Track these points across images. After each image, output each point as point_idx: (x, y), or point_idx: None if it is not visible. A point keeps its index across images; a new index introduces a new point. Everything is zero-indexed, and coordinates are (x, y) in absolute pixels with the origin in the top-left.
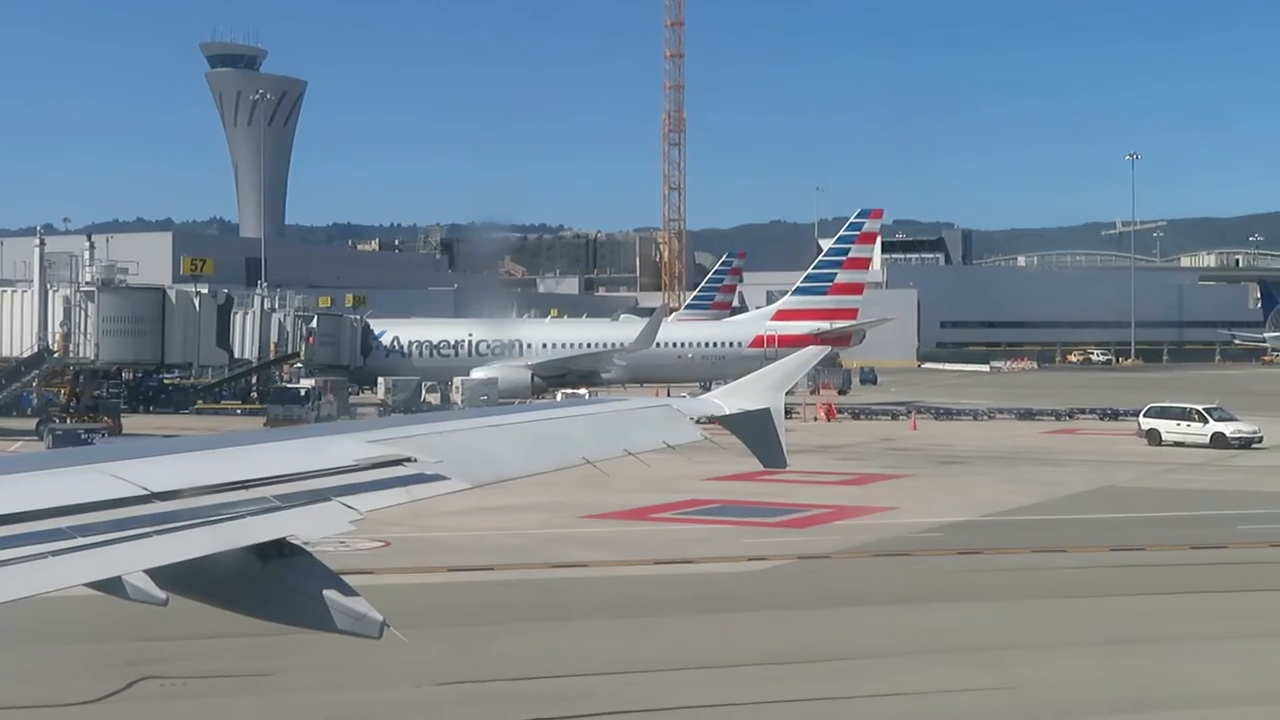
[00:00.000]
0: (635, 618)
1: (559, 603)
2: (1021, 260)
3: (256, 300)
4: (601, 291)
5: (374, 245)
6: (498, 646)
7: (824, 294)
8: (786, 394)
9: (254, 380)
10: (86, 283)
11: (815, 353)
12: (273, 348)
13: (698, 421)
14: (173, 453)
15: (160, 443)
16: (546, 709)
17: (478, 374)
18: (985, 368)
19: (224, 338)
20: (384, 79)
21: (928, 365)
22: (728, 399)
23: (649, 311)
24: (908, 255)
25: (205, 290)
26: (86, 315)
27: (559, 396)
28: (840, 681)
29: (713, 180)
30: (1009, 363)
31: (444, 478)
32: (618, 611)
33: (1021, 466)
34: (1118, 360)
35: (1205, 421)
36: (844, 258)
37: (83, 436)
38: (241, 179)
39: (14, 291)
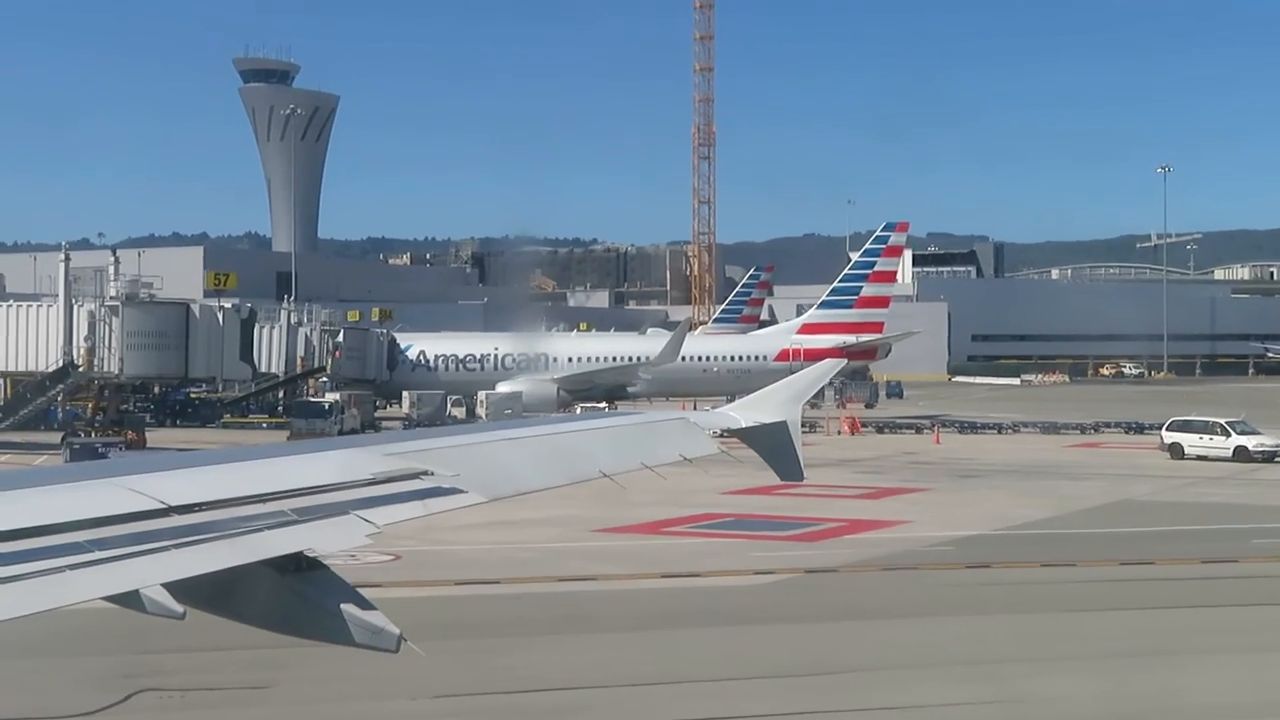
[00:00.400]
0: (639, 631)
1: (564, 616)
2: (1055, 273)
3: (283, 315)
4: (632, 305)
5: (405, 259)
6: (498, 660)
7: (850, 307)
8: (811, 407)
9: (281, 394)
10: (111, 297)
11: (832, 365)
12: (299, 362)
13: (715, 435)
14: (190, 466)
15: (177, 456)
16: (541, 717)
17: (503, 388)
18: (1016, 381)
19: (247, 352)
20: (417, 93)
21: (958, 379)
22: (744, 412)
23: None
24: (940, 268)
25: (229, 305)
26: (111, 330)
27: (578, 410)
28: (838, 694)
29: (746, 194)
30: (1040, 376)
31: (460, 491)
32: (623, 625)
33: (1040, 480)
34: (1150, 374)
35: (1228, 435)
36: (870, 271)
37: (99, 450)
38: (274, 194)
39: (40, 306)
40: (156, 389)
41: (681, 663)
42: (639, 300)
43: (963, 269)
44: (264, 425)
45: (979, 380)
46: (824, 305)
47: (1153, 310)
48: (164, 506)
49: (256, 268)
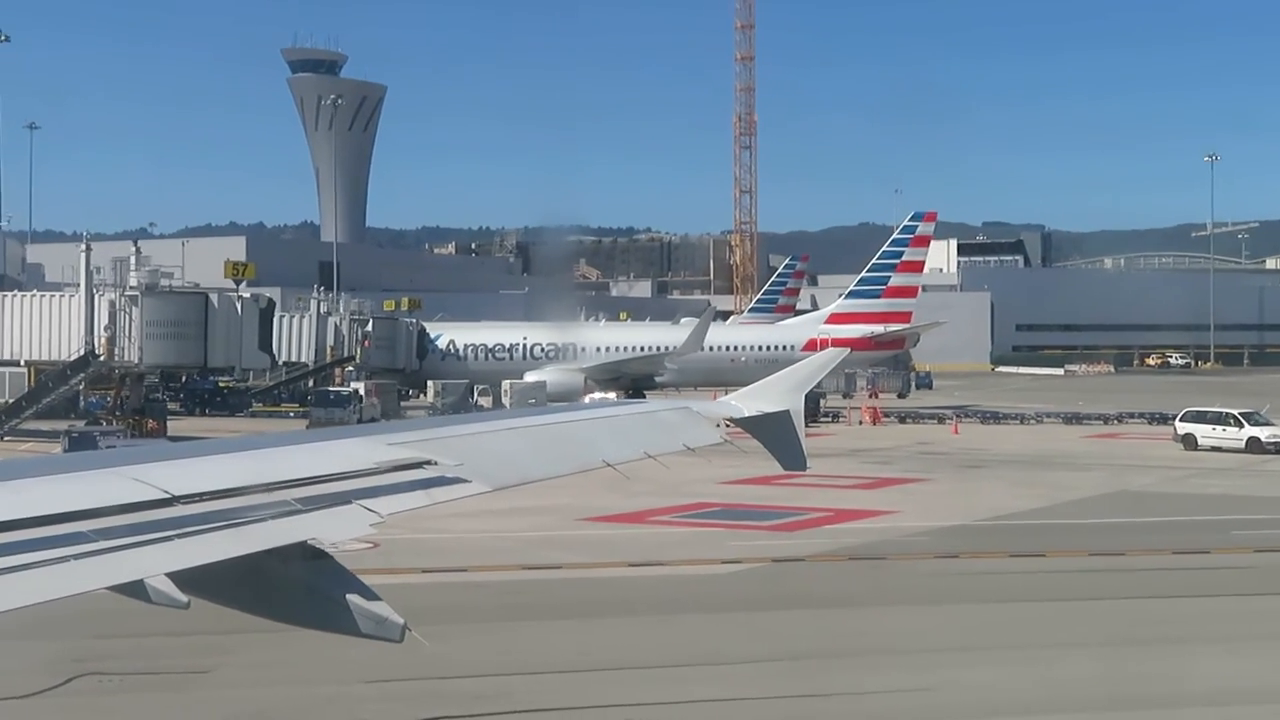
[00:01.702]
0: (583, 618)
1: (514, 604)
2: (1108, 262)
3: (313, 304)
4: (675, 295)
5: (450, 249)
6: (437, 646)
7: (878, 297)
8: (843, 397)
9: (310, 383)
10: (131, 287)
11: (835, 354)
12: (329, 351)
13: (719, 424)
14: (194, 456)
15: (181, 446)
16: (460, 707)
17: (530, 377)
18: (1059, 371)
19: (266, 341)
20: (465, 82)
21: (1001, 369)
22: (747, 401)
23: (720, 316)
24: (986, 258)
25: (248, 295)
26: (131, 319)
27: (587, 399)
28: (754, 683)
29: (799, 183)
30: (1084, 366)
31: (464, 480)
32: (568, 612)
33: (1043, 471)
34: (1196, 364)
35: (1241, 426)
36: (898, 261)
37: (96, 440)
38: (323, 183)
39: (62, 296)
40: (184, 378)
41: (615, 650)
42: (682, 290)
43: (1010, 258)
44: (291, 414)
45: (1022, 370)
46: (852, 295)
47: (1200, 299)
48: (168, 496)
49: (300, 257)
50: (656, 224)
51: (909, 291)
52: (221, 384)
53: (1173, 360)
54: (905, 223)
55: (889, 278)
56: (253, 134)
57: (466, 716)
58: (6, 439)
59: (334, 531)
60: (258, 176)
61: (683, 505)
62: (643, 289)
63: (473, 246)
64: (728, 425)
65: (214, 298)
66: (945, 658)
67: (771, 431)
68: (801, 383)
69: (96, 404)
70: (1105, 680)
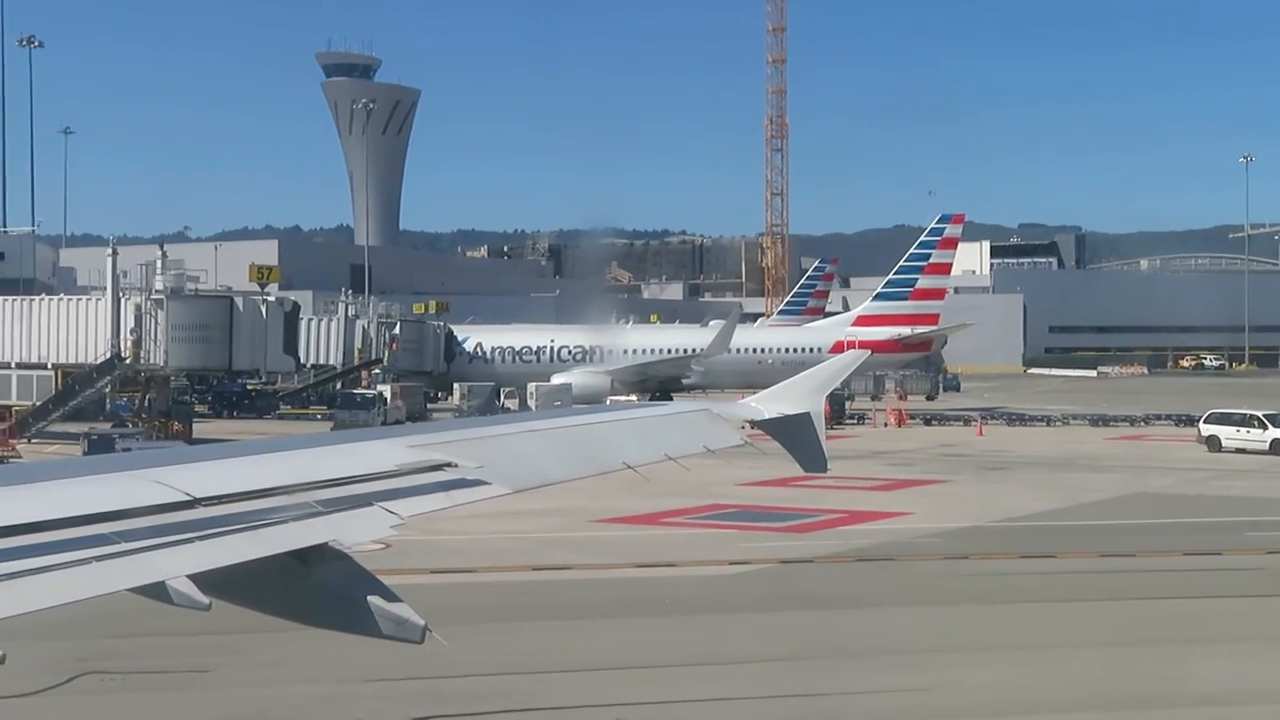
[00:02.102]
0: (586, 619)
1: (519, 604)
2: (1144, 264)
3: (340, 308)
4: (707, 297)
5: (483, 252)
6: (436, 646)
7: (905, 299)
8: (871, 399)
9: (339, 386)
10: (157, 290)
11: (855, 357)
12: (357, 354)
13: (742, 426)
14: (216, 458)
15: (203, 449)
16: (457, 706)
17: (558, 380)
18: (1092, 373)
19: (291, 344)
20: (498, 86)
21: (1034, 370)
22: (767, 403)
23: (749, 318)
24: (1020, 260)
25: (272, 298)
26: (156, 322)
27: (609, 401)
28: (751, 682)
29: (836, 185)
30: (1117, 368)
31: (485, 483)
32: (572, 614)
33: (1064, 473)
34: (1231, 365)
35: (1265, 428)
36: (925, 263)
37: (114, 442)
38: (356, 187)
39: (89, 300)
40: (214, 381)
41: (614, 650)
42: (714, 293)
43: (1044, 260)
44: (318, 417)
45: (1054, 372)
46: (879, 297)
47: (1235, 301)
48: (190, 498)
49: (332, 260)
50: (691, 226)
51: (936, 293)
52: (250, 387)
53: (1207, 362)
54: (933, 225)
55: (916, 280)
56: (289, 138)
57: (461, 715)
58: (34, 441)
59: (355, 533)
60: (294, 181)
61: (698, 507)
62: (674, 291)
63: (505, 250)
64: (749, 427)
65: (239, 301)
66: (946, 658)
67: (792, 433)
68: (822, 385)
69: (123, 406)
70: (1107, 680)
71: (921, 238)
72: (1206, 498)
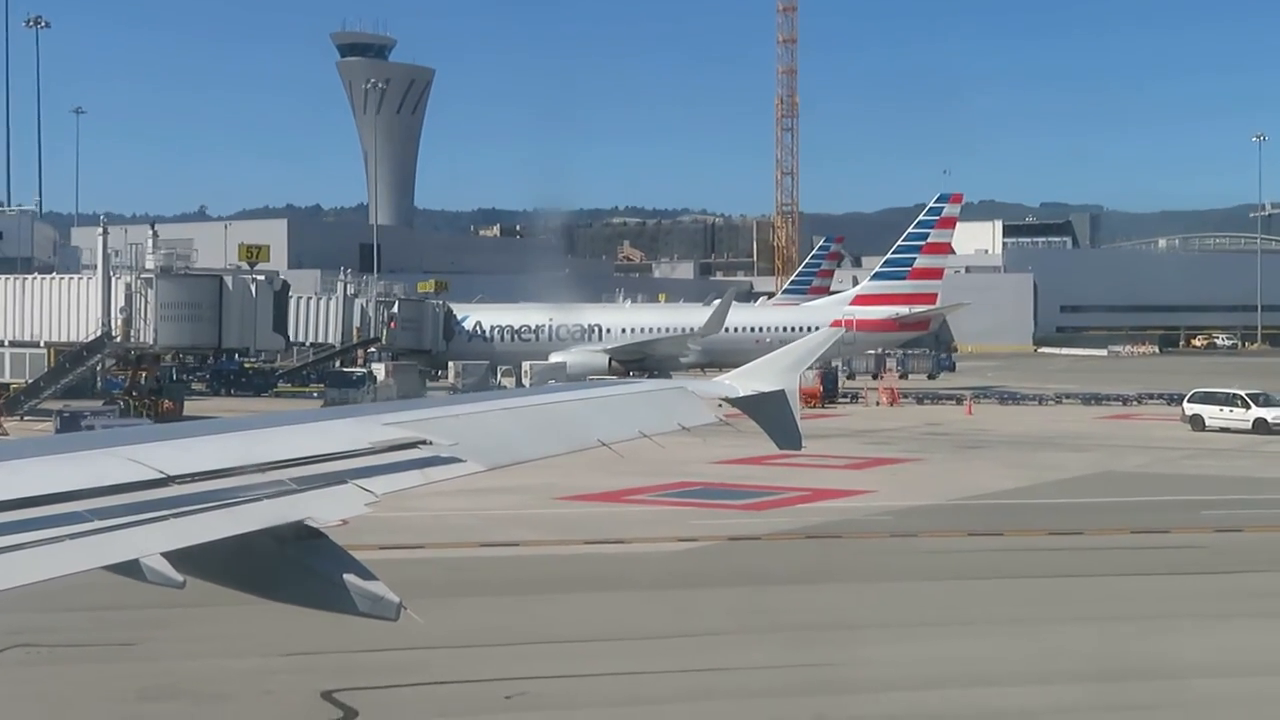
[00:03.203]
0: (519, 595)
1: (457, 580)
2: (1162, 243)
3: (339, 286)
4: (719, 276)
5: (495, 231)
6: (356, 623)
7: (903, 279)
8: (872, 378)
9: (337, 364)
10: (147, 269)
11: (830, 334)
12: (355, 332)
13: (719, 404)
14: (190, 436)
15: (178, 426)
16: (371, 678)
17: (555, 358)
18: (1103, 352)
19: (280, 323)
20: (511, 65)
21: (1044, 350)
22: (742, 381)
23: (761, 296)
24: (1035, 239)
25: (262, 277)
26: (146, 301)
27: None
28: (657, 658)
29: (857, 164)
30: (1128, 347)
31: (459, 460)
32: (506, 589)
33: (1039, 452)
34: (1243, 345)
35: (1248, 407)
36: (923, 242)
37: (84, 420)
38: (371, 166)
39: (80, 279)
40: (211, 359)
41: (538, 625)
42: (725, 271)
43: (1058, 239)
44: (314, 395)
45: (1064, 351)
46: (877, 276)
47: (1249, 280)
48: (164, 476)
49: (342, 239)
50: (707, 205)
51: (935, 273)
52: (247, 365)
53: (1219, 341)
54: (931, 204)
55: (914, 259)
56: (311, 119)
57: (371, 688)
58: (26, 418)
59: (330, 511)
60: (315, 160)
61: (665, 484)
62: (685, 271)
63: (517, 228)
64: (725, 405)
65: (228, 280)
66: (861, 634)
67: (767, 411)
68: (797, 362)
69: (116, 384)
70: (1034, 656)
71: (920, 217)
72: (1176, 476)
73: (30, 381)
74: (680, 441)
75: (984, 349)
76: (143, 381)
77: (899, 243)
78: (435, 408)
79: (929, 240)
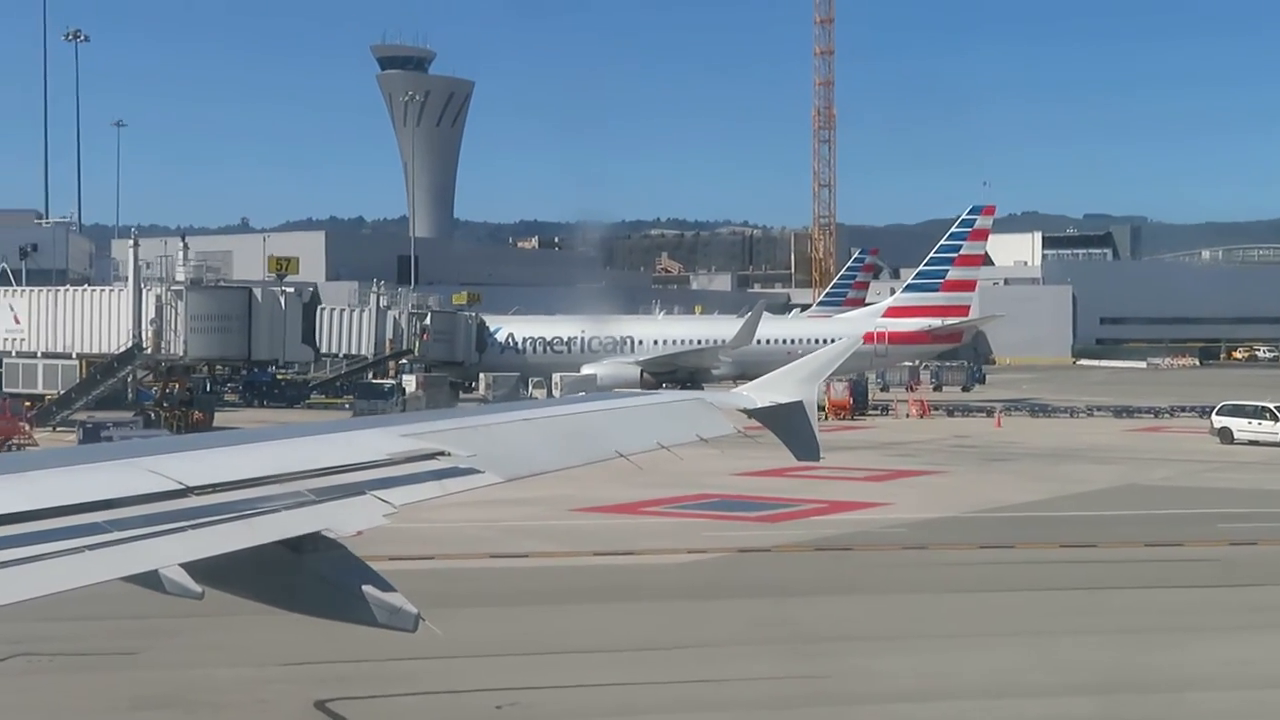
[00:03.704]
0: (514, 606)
1: (457, 591)
2: (1205, 255)
3: (372, 298)
4: (756, 288)
5: (534, 243)
6: (357, 633)
7: (935, 290)
8: (907, 390)
9: (371, 375)
10: (177, 281)
11: (848, 345)
12: (388, 344)
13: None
14: (209, 447)
15: (197, 438)
16: (362, 688)
17: (587, 370)
18: (1142, 364)
19: (309, 334)
20: (550, 77)
21: (1083, 362)
22: (760, 392)
23: (798, 308)
24: (1075, 251)
25: (291, 289)
26: (176, 313)
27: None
28: (642, 668)
29: (899, 177)
30: (1168, 359)
31: (477, 471)
32: (502, 601)
33: (1063, 465)
34: None
35: (1277, 420)
36: (956, 255)
37: (103, 432)
38: (410, 178)
39: (112, 291)
40: (244, 371)
41: (529, 636)
42: (763, 283)
43: (1098, 251)
44: (346, 406)
45: (1103, 364)
46: (909, 289)
47: None
48: (183, 487)
49: (379, 251)
50: (748, 216)
51: (967, 285)
52: (280, 376)
53: (1260, 354)
54: (964, 216)
55: (947, 271)
56: (354, 131)
57: (362, 698)
58: (58, 429)
59: (348, 522)
60: (358, 172)
61: (683, 496)
62: (723, 282)
63: (555, 240)
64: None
65: (257, 292)
66: (857, 646)
67: (785, 422)
68: (814, 374)
69: (147, 395)
70: (1025, 669)
71: (952, 229)
72: (1196, 490)
73: (62, 393)
74: (704, 453)
75: (1022, 361)
76: (173, 393)
77: (931, 255)
78: (453, 419)
79: (961, 252)
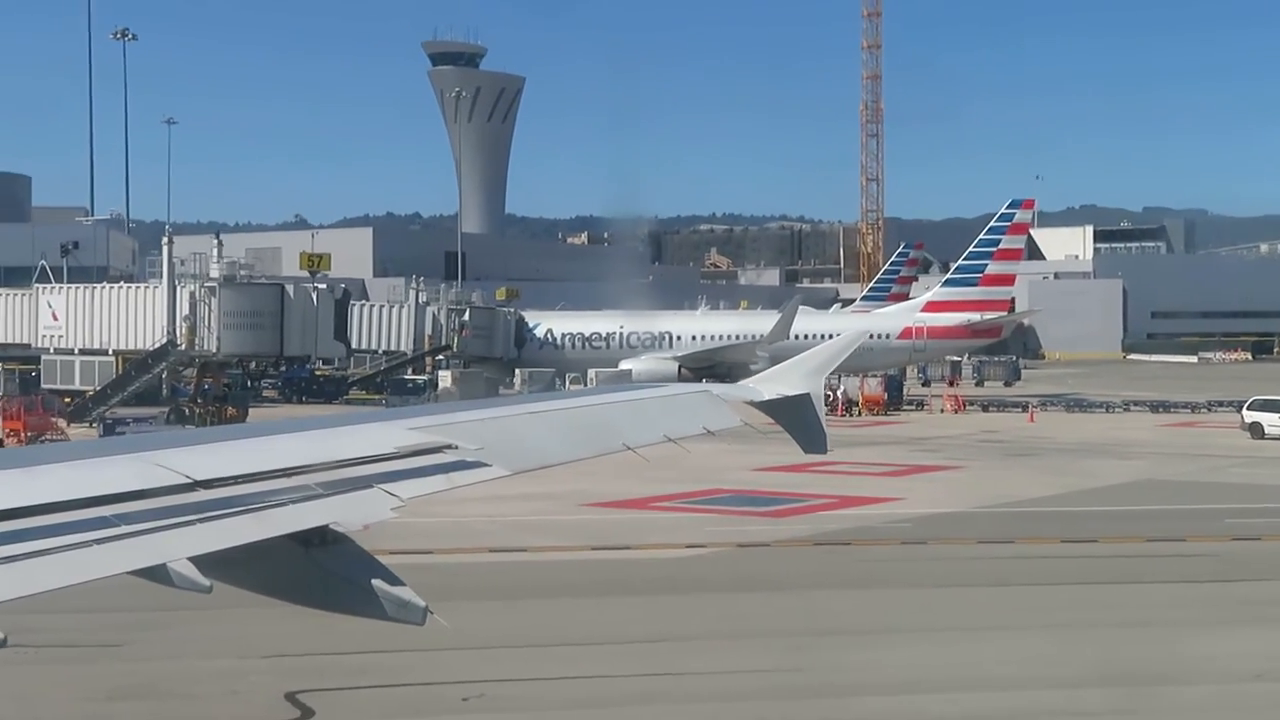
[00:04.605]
0: (506, 600)
1: (452, 584)
2: (1264, 248)
3: (411, 294)
4: (805, 283)
5: (583, 239)
6: (344, 625)
7: (974, 285)
8: (925, 385)
9: (409, 371)
10: (211, 278)
11: (855, 338)
12: (427, 340)
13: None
14: (217, 441)
15: (206, 432)
16: (337, 680)
17: (625, 365)
18: (1193, 359)
19: (341, 331)
20: (598, 74)
21: (1133, 356)
22: (767, 385)
23: (845, 303)
24: (1128, 244)
25: (323, 286)
26: (210, 309)
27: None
28: (617, 661)
29: (956, 170)
30: (1220, 354)
31: (485, 464)
32: (497, 594)
33: (1086, 459)
34: None
35: None
36: (994, 249)
37: (118, 426)
38: (460, 174)
39: (147, 288)
40: (284, 366)
41: (519, 629)
42: (812, 278)
43: (1151, 245)
44: (384, 402)
45: (1153, 358)
46: (948, 283)
47: None
48: (190, 481)
49: (426, 247)
50: (803, 211)
51: (1006, 279)
52: (319, 372)
53: None
54: (1003, 210)
55: (986, 265)
56: (407, 126)
57: (336, 689)
58: (93, 425)
59: (355, 515)
60: (411, 168)
61: (695, 491)
62: (771, 277)
63: (605, 235)
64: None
65: (289, 289)
66: (833, 640)
67: (792, 415)
68: (821, 366)
69: (183, 391)
70: (993, 661)
71: (991, 223)
72: (1213, 485)
73: (98, 389)
74: (726, 448)
75: (1072, 356)
76: (206, 388)
77: (970, 249)
78: (461, 412)
79: (1000, 246)
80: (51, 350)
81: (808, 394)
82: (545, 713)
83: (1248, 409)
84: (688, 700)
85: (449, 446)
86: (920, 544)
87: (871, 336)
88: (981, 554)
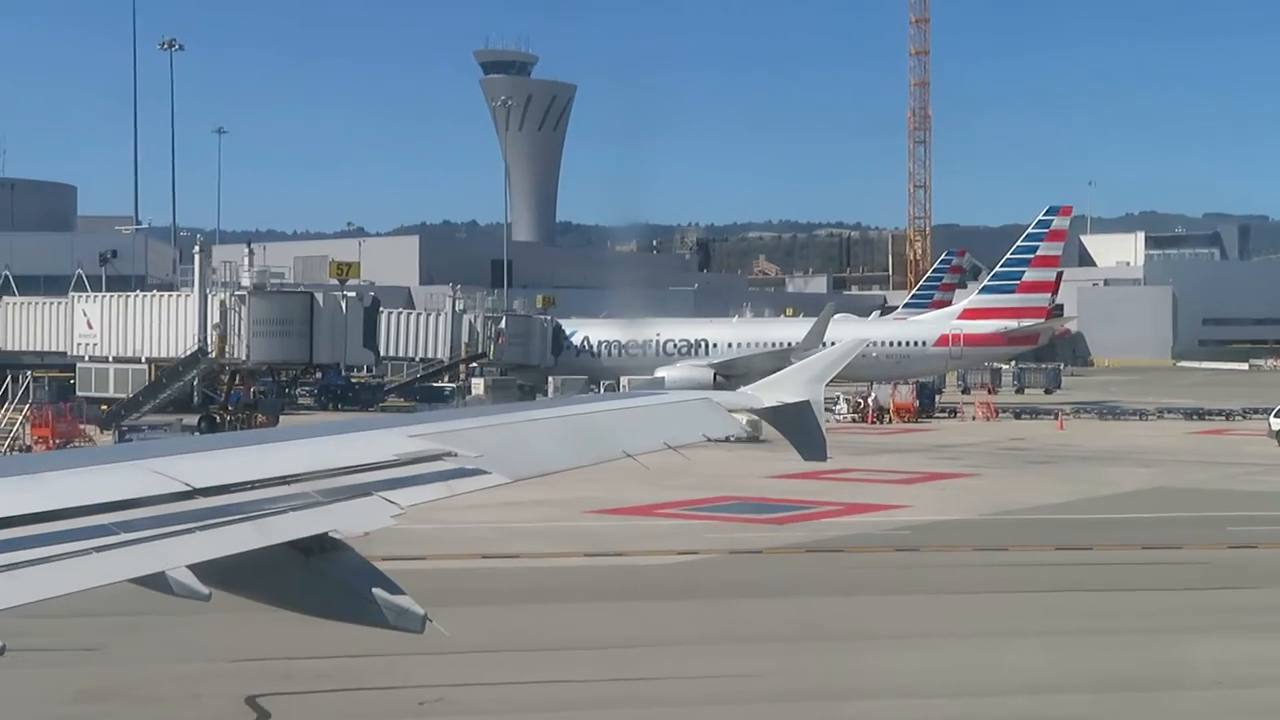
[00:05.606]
0: (486, 606)
1: (437, 589)
2: None
3: (448, 302)
4: (854, 290)
5: (632, 246)
6: (323, 630)
7: (1011, 292)
8: (988, 392)
9: (445, 379)
10: (240, 287)
11: (854, 345)
12: (464, 348)
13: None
14: (217, 448)
15: (207, 439)
16: (300, 684)
17: (661, 373)
18: (1244, 366)
19: (371, 338)
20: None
21: (1183, 364)
22: (767, 392)
23: (879, 311)
24: (1181, 250)
25: (352, 293)
26: (240, 318)
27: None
28: (580, 666)
29: (1005, 175)
30: (1271, 361)
31: (484, 472)
32: (479, 600)
33: (1102, 467)
34: None
35: None
36: (1032, 256)
37: (131, 434)
38: (510, 182)
39: (179, 296)
40: (319, 374)
41: (490, 634)
42: (860, 285)
43: (1205, 251)
44: (416, 409)
45: (1203, 365)
46: (985, 290)
47: None
48: (189, 489)
49: (472, 254)
50: (856, 218)
51: (1045, 286)
52: (354, 380)
53: None
54: (1040, 217)
55: (1023, 273)
56: (462, 134)
57: (298, 693)
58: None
59: (355, 523)
60: (466, 176)
61: (701, 499)
62: (818, 285)
63: (653, 243)
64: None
65: (319, 296)
66: (813, 646)
67: (792, 422)
68: (821, 373)
69: (216, 398)
70: (974, 668)
71: (1028, 230)
72: (1225, 493)
73: (130, 396)
74: (742, 455)
75: (1121, 363)
76: (237, 396)
77: (1007, 256)
78: (461, 419)
79: (1038, 253)
80: (86, 358)
81: (808, 401)
82: (501, 715)
83: (1275, 416)
84: (649, 705)
85: (449, 454)
86: (913, 551)
87: (907, 345)
88: (971, 561)
